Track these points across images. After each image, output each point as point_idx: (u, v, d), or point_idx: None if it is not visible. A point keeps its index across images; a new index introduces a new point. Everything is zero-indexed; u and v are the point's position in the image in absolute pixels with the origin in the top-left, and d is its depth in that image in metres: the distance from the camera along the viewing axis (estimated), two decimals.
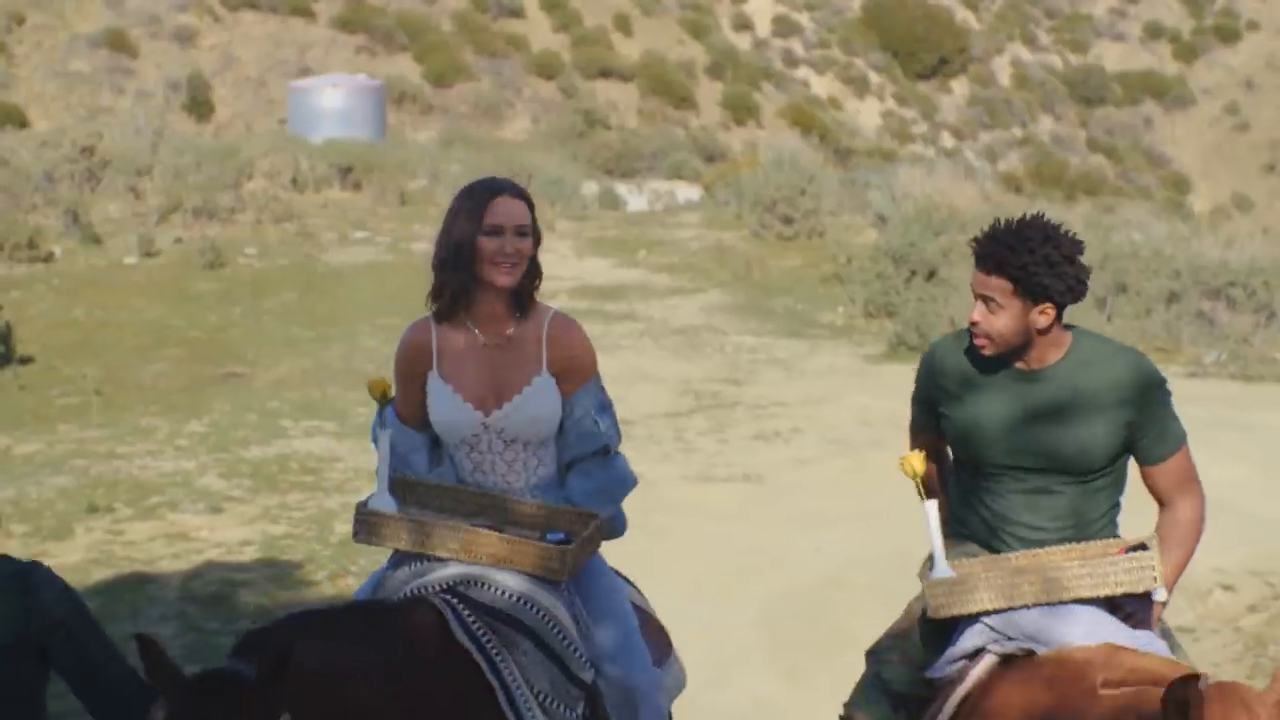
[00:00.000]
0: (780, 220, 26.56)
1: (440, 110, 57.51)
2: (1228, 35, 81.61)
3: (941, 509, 5.57)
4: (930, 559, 5.41)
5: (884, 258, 21.75)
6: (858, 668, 9.58)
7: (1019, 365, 5.35)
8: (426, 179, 30.25)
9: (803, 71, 71.14)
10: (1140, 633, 5.19)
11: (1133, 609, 5.26)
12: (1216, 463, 13.98)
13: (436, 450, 5.67)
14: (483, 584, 5.34)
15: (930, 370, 5.55)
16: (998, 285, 5.23)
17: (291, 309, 22.28)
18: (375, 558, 11.17)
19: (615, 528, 5.70)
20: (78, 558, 10.95)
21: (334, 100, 41.58)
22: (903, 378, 17.93)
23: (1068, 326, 5.39)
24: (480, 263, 5.38)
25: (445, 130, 53.78)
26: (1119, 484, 5.44)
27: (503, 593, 5.33)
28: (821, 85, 71.06)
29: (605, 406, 5.60)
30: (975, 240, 5.31)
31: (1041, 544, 5.37)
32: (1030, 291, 5.21)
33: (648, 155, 51.68)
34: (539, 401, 5.45)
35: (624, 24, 64.26)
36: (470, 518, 5.52)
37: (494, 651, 5.23)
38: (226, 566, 10.62)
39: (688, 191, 37.31)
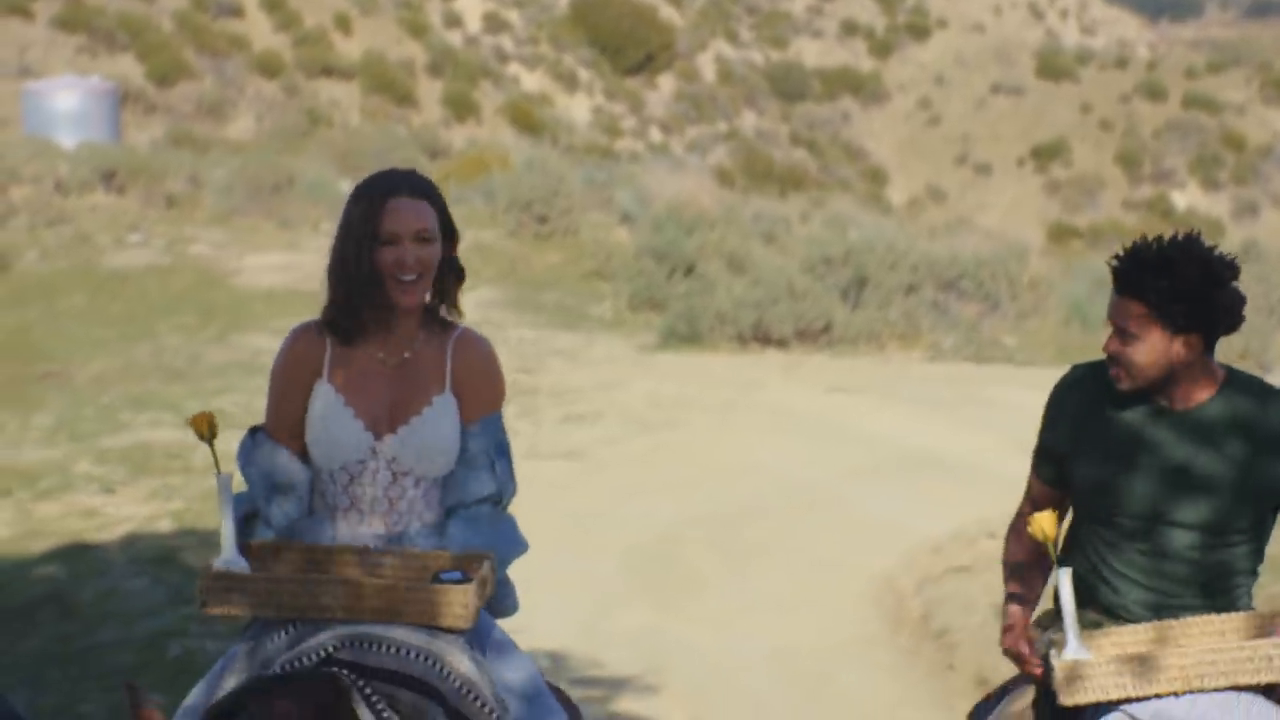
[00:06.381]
0: (536, 220, 28.27)
1: (164, 110, 58.05)
2: (919, 32, 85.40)
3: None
4: (1049, 627, 4.89)
5: (645, 255, 23.68)
6: (713, 601, 11.54)
7: (1161, 402, 4.81)
8: (187, 182, 31.33)
9: (514, 68, 72.80)
10: None
11: None
12: (967, 433, 16.31)
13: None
14: (373, 644, 4.57)
15: (1056, 414, 4.98)
16: (1133, 311, 4.70)
17: (86, 310, 23.43)
18: None
19: (505, 602, 4.95)
20: (7, 532, 12.27)
21: (69, 102, 42.08)
22: (678, 365, 20.10)
23: (1222, 366, 4.85)
24: (381, 278, 4.69)
25: (170, 130, 54.36)
26: (1261, 550, 4.91)
27: (397, 650, 4.57)
28: (532, 81, 72.82)
29: (504, 450, 4.88)
30: (1115, 258, 4.77)
31: (1167, 609, 4.82)
32: (1169, 319, 4.67)
33: (372, 153, 52.82)
34: (439, 424, 4.77)
35: (344, 23, 65.33)
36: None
37: None
38: (153, 535, 12.00)
39: None
